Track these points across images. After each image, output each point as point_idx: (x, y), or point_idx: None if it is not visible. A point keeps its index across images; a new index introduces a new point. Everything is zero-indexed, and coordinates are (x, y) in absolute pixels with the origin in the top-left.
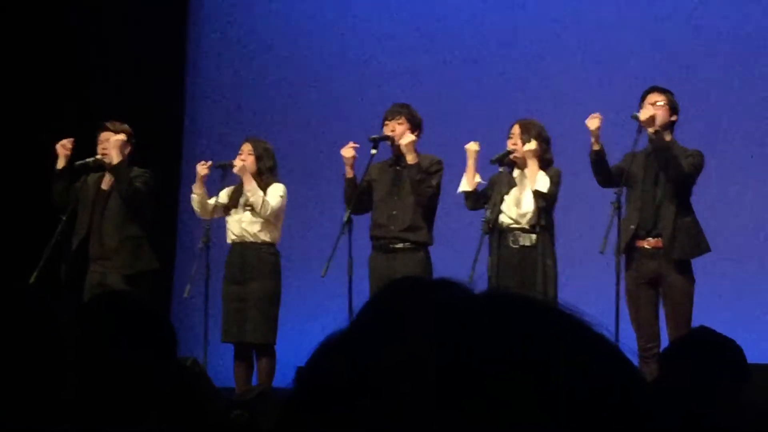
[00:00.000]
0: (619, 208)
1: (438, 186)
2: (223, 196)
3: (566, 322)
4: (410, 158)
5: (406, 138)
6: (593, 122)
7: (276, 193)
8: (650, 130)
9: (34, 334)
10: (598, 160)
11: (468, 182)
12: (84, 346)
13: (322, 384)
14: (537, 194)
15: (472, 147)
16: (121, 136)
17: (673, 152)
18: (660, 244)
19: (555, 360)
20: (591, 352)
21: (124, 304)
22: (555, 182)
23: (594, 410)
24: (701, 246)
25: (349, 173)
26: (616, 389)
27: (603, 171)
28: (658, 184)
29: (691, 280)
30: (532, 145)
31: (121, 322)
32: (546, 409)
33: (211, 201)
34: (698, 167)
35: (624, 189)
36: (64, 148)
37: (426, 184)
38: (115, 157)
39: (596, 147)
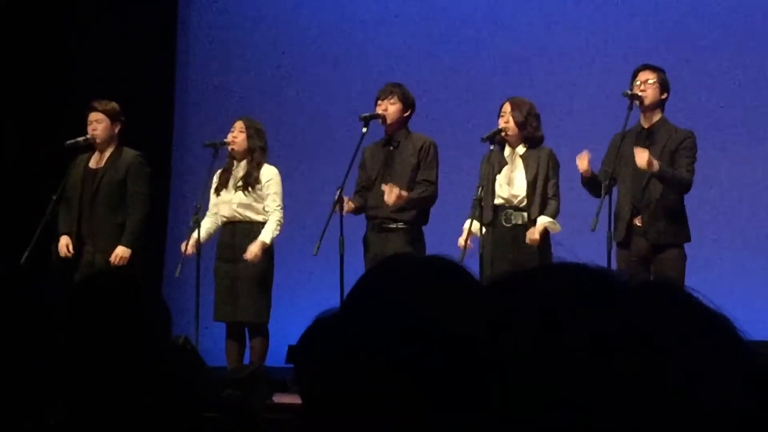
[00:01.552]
0: (609, 186)
1: (437, 172)
2: (215, 181)
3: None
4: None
5: (392, 197)
6: (582, 164)
7: (274, 190)
8: (653, 169)
9: (25, 315)
10: (589, 182)
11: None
12: (77, 325)
13: (315, 362)
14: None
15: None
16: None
17: (674, 176)
18: None
19: (555, 338)
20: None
21: (118, 283)
22: (554, 170)
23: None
24: (680, 234)
25: (350, 207)
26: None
27: (595, 188)
28: None
29: (683, 258)
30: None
31: (115, 302)
32: (549, 392)
33: (209, 222)
34: (694, 157)
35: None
36: (67, 249)
37: (429, 191)
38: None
39: (586, 175)
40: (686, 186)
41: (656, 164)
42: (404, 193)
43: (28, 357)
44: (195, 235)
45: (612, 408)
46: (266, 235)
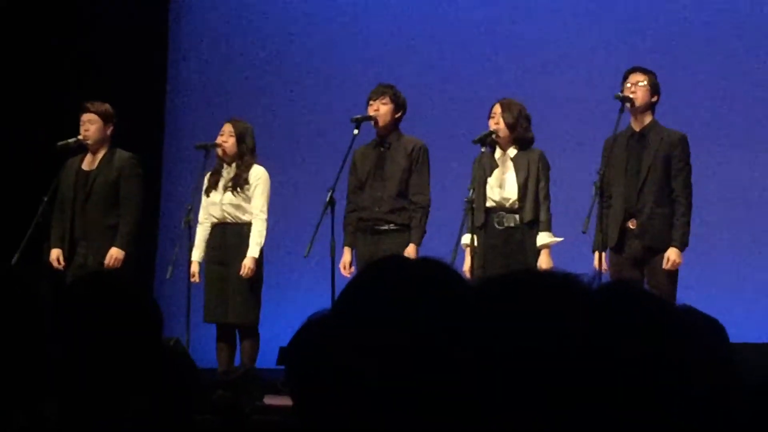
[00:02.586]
0: (602, 188)
1: (428, 176)
2: (205, 183)
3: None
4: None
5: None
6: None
7: (261, 191)
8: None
9: (15, 313)
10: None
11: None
12: (69, 326)
13: (306, 364)
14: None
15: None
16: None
17: (686, 222)
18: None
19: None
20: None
21: (110, 284)
22: (545, 172)
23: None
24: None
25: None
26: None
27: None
28: (642, 166)
29: None
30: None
31: (107, 302)
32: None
33: (204, 231)
34: (689, 164)
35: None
36: (57, 262)
37: (423, 203)
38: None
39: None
40: (690, 207)
41: (679, 249)
42: (412, 249)
43: (17, 355)
44: (195, 267)
45: (582, 404)
46: (254, 250)
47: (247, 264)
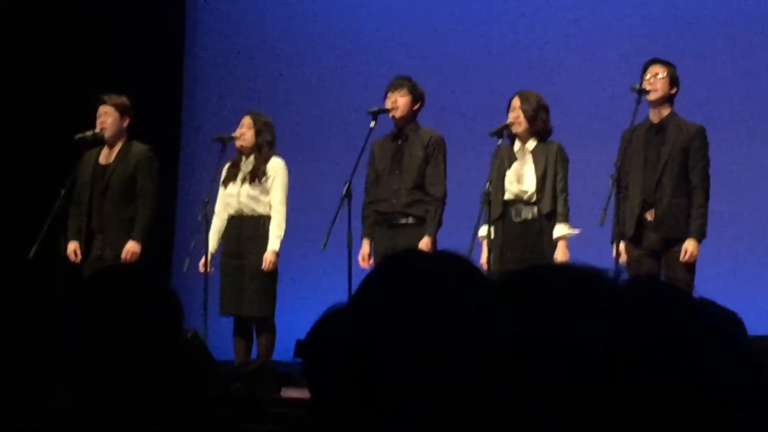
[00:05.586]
0: (618, 180)
1: (445, 168)
2: (223, 173)
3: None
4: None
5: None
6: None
7: (279, 183)
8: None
9: (31, 306)
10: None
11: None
12: (89, 319)
13: (323, 356)
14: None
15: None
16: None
17: (703, 215)
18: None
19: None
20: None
21: (130, 276)
22: (563, 164)
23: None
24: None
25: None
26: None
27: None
28: (660, 157)
29: None
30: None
31: (128, 295)
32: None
33: (219, 222)
34: (707, 157)
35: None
36: (75, 255)
37: (439, 195)
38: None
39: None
40: (708, 199)
41: (696, 240)
42: (427, 241)
43: (31, 346)
44: (210, 251)
45: (608, 406)
46: (274, 243)
47: (269, 258)
